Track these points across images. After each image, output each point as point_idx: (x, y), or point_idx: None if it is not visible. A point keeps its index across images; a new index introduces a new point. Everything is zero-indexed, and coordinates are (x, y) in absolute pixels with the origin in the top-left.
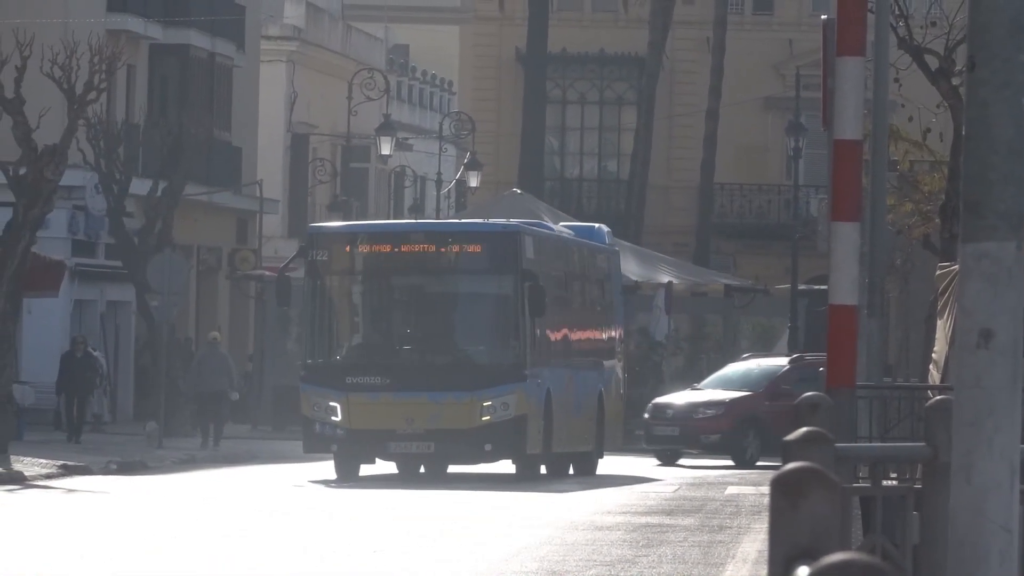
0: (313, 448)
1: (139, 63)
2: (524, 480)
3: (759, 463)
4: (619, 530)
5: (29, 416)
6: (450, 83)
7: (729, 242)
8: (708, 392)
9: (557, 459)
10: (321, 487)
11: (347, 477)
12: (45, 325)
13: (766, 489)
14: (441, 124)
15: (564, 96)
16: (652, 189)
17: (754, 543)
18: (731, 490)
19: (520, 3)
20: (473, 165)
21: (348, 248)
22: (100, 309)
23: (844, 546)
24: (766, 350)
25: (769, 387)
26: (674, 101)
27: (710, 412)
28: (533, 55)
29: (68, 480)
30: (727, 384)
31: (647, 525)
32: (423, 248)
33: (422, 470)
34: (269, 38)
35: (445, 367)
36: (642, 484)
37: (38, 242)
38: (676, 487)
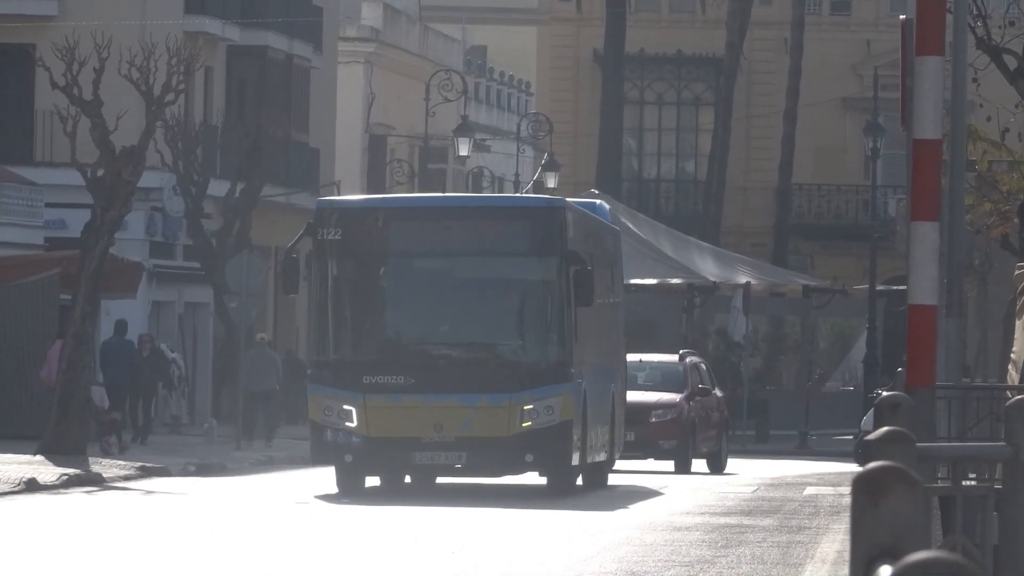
0: (323, 459)
1: (217, 65)
2: (559, 495)
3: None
4: (698, 531)
5: (107, 417)
6: (528, 84)
7: (807, 242)
8: (655, 393)
9: (587, 471)
10: (335, 504)
11: (352, 491)
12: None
13: (844, 489)
14: (519, 125)
15: (642, 97)
16: (730, 190)
17: (833, 543)
18: (809, 490)
19: (598, 4)
20: (551, 166)
21: (364, 226)
22: (178, 311)
23: (925, 546)
24: (844, 351)
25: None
26: (752, 102)
27: (668, 416)
28: (611, 56)
29: (146, 482)
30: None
31: (725, 526)
32: (453, 226)
33: (438, 480)
34: (346, 39)
35: (479, 365)
36: (703, 491)
37: (116, 244)
38: (755, 488)
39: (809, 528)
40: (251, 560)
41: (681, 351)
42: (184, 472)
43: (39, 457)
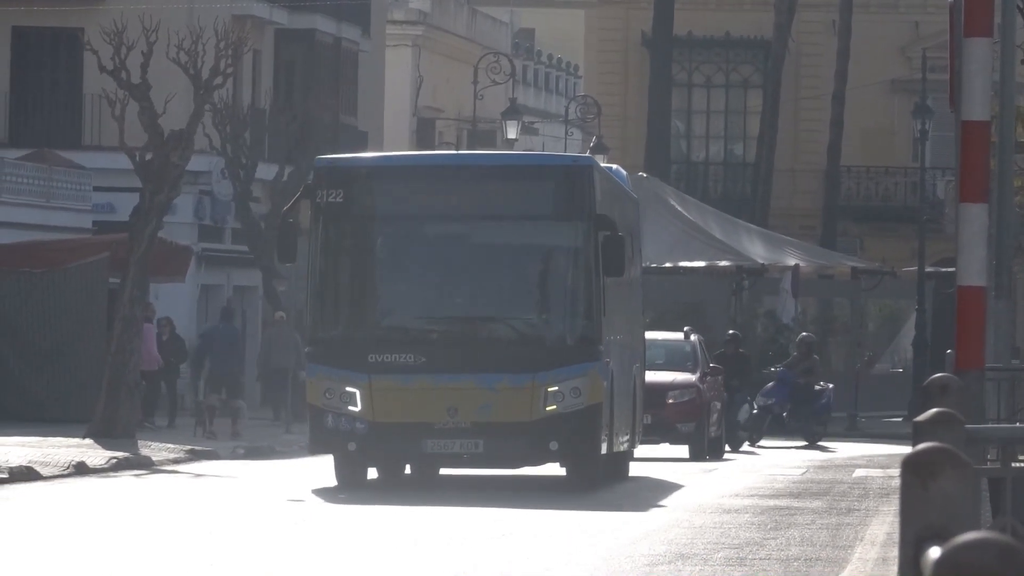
0: (323, 447)
1: (264, 48)
2: (582, 488)
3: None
4: (747, 513)
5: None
6: (576, 67)
7: (855, 225)
8: (669, 373)
9: (610, 461)
10: (332, 504)
11: (352, 484)
12: (172, 311)
13: (894, 471)
14: (567, 108)
15: (690, 79)
16: (778, 172)
17: (882, 525)
18: (858, 472)
19: None
20: (599, 149)
21: (369, 187)
22: (227, 294)
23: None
24: (893, 333)
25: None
26: (800, 84)
27: (685, 397)
28: (659, 38)
29: (196, 465)
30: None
31: (775, 508)
32: (469, 187)
33: (442, 472)
34: (395, 23)
35: (498, 342)
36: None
37: (165, 227)
38: (804, 470)
39: (858, 510)
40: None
41: (685, 328)
42: (233, 455)
43: (88, 440)
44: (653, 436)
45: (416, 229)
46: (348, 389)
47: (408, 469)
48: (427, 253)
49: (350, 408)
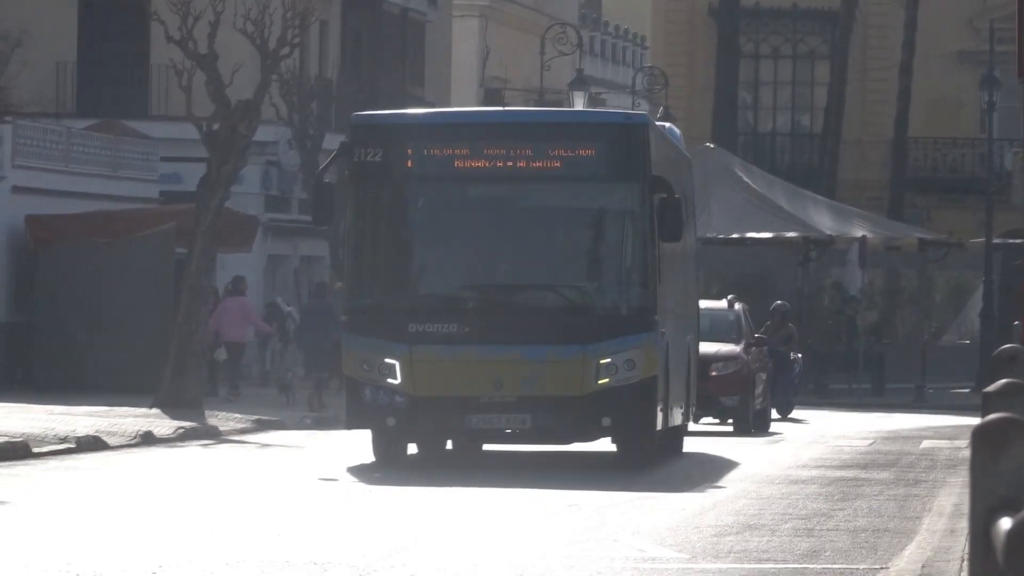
0: (361, 422)
1: (332, 18)
2: (632, 467)
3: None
4: (814, 484)
5: (224, 372)
6: (643, 38)
7: (923, 196)
8: (711, 344)
9: (664, 436)
10: (377, 485)
11: (391, 460)
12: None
13: (961, 443)
14: (634, 79)
15: (757, 51)
16: (845, 143)
17: (950, 496)
18: (926, 444)
19: None
20: (666, 119)
21: (409, 145)
22: (293, 264)
23: None
24: (960, 304)
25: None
26: (867, 55)
27: (729, 369)
28: (726, 9)
29: (263, 435)
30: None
31: (842, 479)
32: (516, 145)
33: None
34: None
35: (547, 311)
36: (817, 443)
37: (231, 198)
38: (871, 441)
39: (926, 481)
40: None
41: (729, 296)
42: (300, 425)
43: (155, 410)
44: (697, 410)
45: (459, 190)
46: (387, 360)
47: (449, 444)
48: (471, 216)
49: (389, 381)
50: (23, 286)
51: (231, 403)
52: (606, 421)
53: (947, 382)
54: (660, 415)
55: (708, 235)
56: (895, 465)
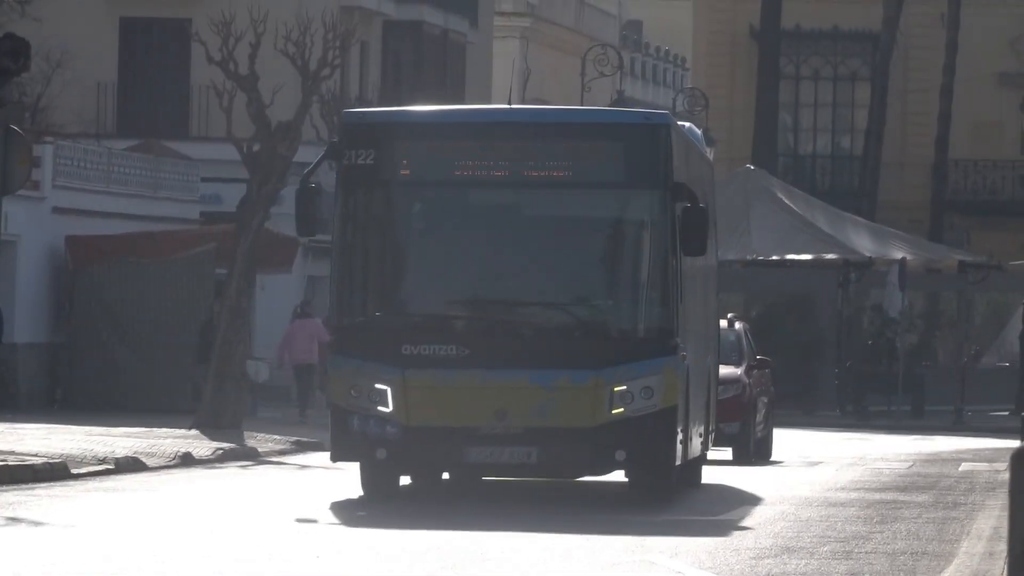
0: (347, 454)
1: (372, 40)
2: (646, 501)
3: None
4: (853, 506)
5: (263, 392)
6: (683, 59)
7: (963, 218)
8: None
9: (683, 468)
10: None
11: (382, 494)
12: (278, 301)
13: (1001, 465)
14: (674, 100)
15: (797, 72)
16: (886, 165)
17: (989, 520)
18: (965, 466)
19: None
20: (707, 141)
21: (406, 147)
22: None
23: None
24: (1000, 327)
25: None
26: (908, 77)
27: (729, 393)
28: (767, 31)
29: (302, 456)
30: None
31: (881, 502)
32: (524, 148)
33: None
34: (502, 14)
35: (556, 333)
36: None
37: (271, 219)
38: (910, 464)
39: (965, 504)
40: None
41: (729, 315)
42: None
43: (194, 431)
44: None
45: (460, 196)
46: (378, 386)
47: (446, 474)
48: (472, 225)
49: (380, 408)
50: (62, 306)
51: (304, 424)
52: (620, 455)
53: (986, 404)
54: (680, 448)
55: (748, 257)
56: (934, 488)
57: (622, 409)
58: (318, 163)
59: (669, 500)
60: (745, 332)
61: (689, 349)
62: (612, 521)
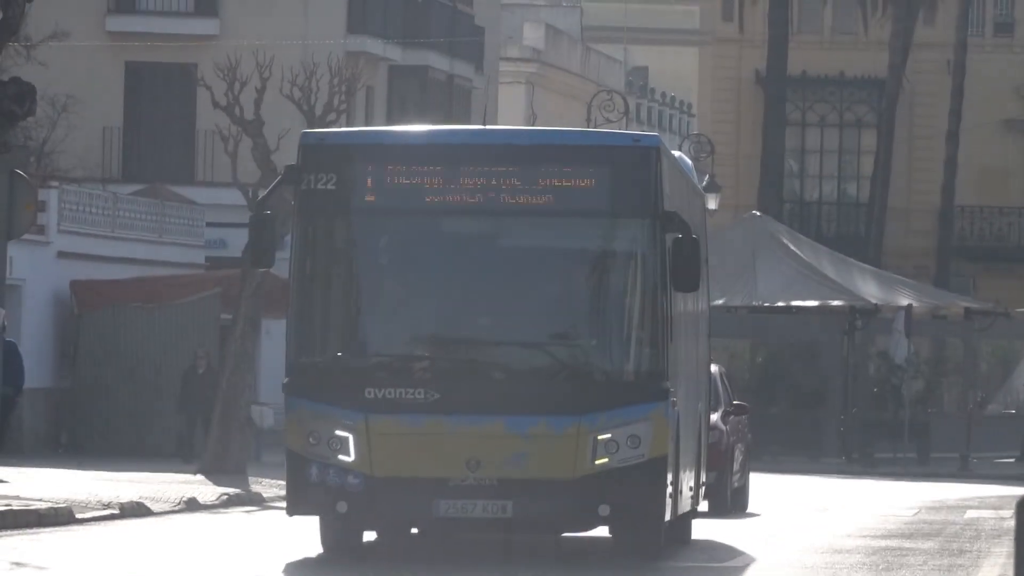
0: (305, 507)
1: (378, 84)
2: (633, 559)
3: None
4: (858, 553)
5: (268, 437)
6: (689, 105)
7: (969, 264)
8: None
9: (673, 524)
10: None
11: (342, 550)
12: (283, 346)
13: (1006, 512)
14: (680, 146)
15: (803, 118)
16: (892, 212)
17: (994, 567)
18: (970, 514)
19: (760, 25)
20: (712, 188)
21: (371, 171)
22: None
23: None
24: (1006, 374)
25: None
26: (914, 123)
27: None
28: (773, 77)
29: None
30: None
31: (886, 548)
32: (500, 172)
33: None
34: (508, 60)
35: (534, 375)
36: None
37: (277, 264)
38: (916, 511)
39: (970, 551)
40: None
41: None
42: None
43: (199, 476)
44: None
45: (430, 226)
46: (338, 433)
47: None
48: (444, 257)
49: (341, 457)
50: (67, 350)
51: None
52: (604, 510)
53: (992, 451)
54: (669, 502)
55: (754, 303)
56: (939, 535)
57: (606, 459)
58: (273, 188)
59: (659, 556)
60: (721, 375)
61: (680, 394)
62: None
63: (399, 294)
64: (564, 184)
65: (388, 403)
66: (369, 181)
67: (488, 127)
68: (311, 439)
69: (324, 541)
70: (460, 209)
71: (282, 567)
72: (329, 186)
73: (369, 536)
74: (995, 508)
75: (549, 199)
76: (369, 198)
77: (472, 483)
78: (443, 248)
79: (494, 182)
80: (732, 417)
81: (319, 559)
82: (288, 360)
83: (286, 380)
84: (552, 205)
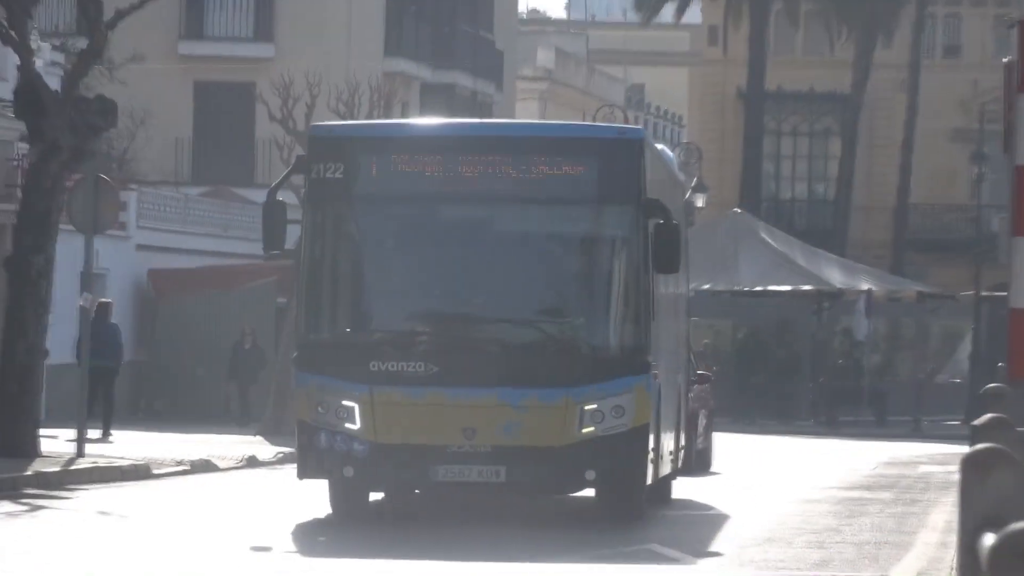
0: (314, 471)
1: (412, 100)
2: (621, 527)
3: None
4: (826, 503)
5: None
6: (680, 117)
7: (921, 255)
8: None
9: (654, 487)
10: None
11: (350, 512)
12: None
13: (953, 468)
14: (673, 153)
15: (779, 128)
16: (855, 209)
17: (942, 514)
18: (922, 468)
19: (742, 47)
20: (699, 188)
21: (375, 161)
22: None
23: None
24: (953, 348)
25: None
26: (874, 133)
27: None
28: (753, 93)
29: None
30: None
31: (849, 499)
32: (495, 162)
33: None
34: (524, 78)
35: (526, 350)
36: (836, 469)
37: None
38: (875, 466)
39: (922, 501)
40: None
41: None
42: None
43: (259, 438)
44: None
45: (430, 212)
46: (345, 403)
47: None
48: (443, 241)
49: (347, 426)
50: (146, 330)
51: None
52: (590, 474)
53: (941, 415)
54: (651, 467)
55: (736, 288)
56: (895, 487)
57: (592, 428)
58: (285, 177)
59: (642, 515)
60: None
61: (661, 367)
62: (592, 528)
63: (401, 275)
64: (554, 172)
65: (391, 376)
66: (374, 170)
67: (484, 120)
68: (320, 409)
69: (333, 503)
70: (457, 196)
71: (289, 532)
72: (337, 175)
73: (375, 496)
74: (943, 464)
75: (540, 187)
76: (373, 186)
77: (468, 450)
78: (442, 232)
79: (490, 171)
80: (696, 386)
81: (325, 521)
82: (298, 337)
83: (295, 355)
84: (543, 192)
